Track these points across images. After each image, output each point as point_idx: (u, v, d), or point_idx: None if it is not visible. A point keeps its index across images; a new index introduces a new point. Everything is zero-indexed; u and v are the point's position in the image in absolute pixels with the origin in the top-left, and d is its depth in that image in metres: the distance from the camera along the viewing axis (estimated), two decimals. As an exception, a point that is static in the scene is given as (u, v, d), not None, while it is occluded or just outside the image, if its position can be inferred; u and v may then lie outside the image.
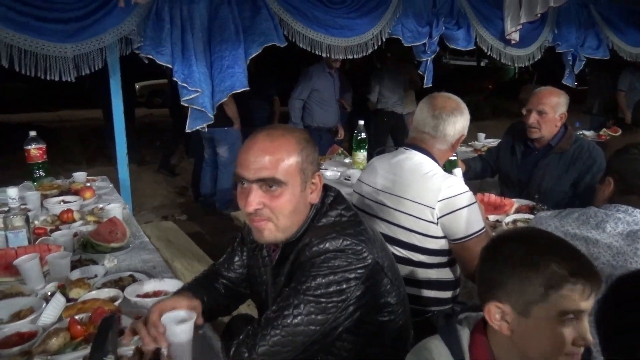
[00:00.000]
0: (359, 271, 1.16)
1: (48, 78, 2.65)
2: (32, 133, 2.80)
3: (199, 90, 3.02)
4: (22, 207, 2.27)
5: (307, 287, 1.12)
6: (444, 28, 3.88)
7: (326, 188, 1.30)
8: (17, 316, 1.42)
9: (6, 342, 1.29)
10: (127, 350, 1.20)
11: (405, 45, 3.82)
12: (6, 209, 2.16)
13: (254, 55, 3.19)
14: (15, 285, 1.63)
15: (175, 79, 2.99)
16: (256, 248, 1.37)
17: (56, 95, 10.88)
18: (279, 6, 3.18)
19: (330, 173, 3.17)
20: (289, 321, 1.10)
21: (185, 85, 2.99)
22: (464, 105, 1.80)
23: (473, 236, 1.64)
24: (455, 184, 1.68)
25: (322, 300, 1.12)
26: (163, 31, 2.85)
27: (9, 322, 1.39)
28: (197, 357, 1.21)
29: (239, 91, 3.19)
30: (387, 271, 1.24)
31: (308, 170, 1.20)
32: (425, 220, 1.67)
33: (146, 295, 1.52)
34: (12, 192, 2.11)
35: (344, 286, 1.13)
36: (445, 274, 1.76)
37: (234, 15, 3.10)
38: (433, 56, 3.97)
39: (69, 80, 2.67)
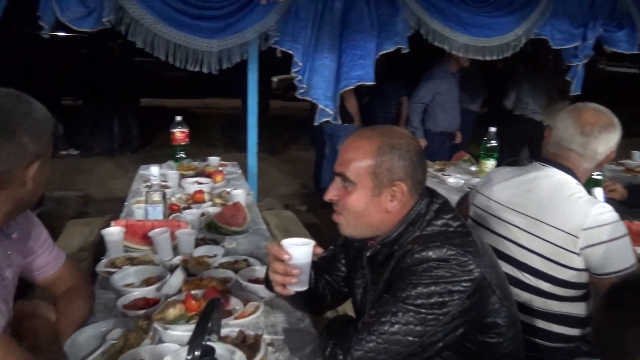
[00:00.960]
0: (464, 284, 1.08)
1: (196, 70, 2.94)
2: (178, 118, 3.10)
3: (321, 86, 3.12)
4: (163, 184, 2.52)
5: (407, 296, 1.07)
6: (601, 30, 3.46)
7: (432, 195, 1.23)
8: (146, 282, 1.58)
9: (134, 305, 1.44)
10: (232, 331, 1.26)
11: (554, 47, 3.48)
12: (149, 184, 2.42)
13: (384, 52, 3.17)
14: (148, 254, 1.81)
15: (293, 74, 3.12)
16: (355, 248, 1.35)
17: (206, 84, 11.98)
18: (416, 3, 3.11)
19: (453, 180, 3.02)
20: (385, 328, 1.06)
21: (300, 78, 3.10)
22: (616, 120, 1.58)
23: (622, 272, 1.43)
24: (605, 211, 1.47)
25: (422, 311, 1.06)
26: (299, 26, 2.97)
27: (139, 286, 1.55)
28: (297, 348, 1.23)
29: (367, 84, 3.21)
30: (496, 289, 1.14)
31: (384, 176, 1.16)
32: (565, 249, 1.49)
33: (256, 281, 1.59)
34: (154, 170, 2.37)
35: (447, 299, 1.07)
36: (577, 308, 1.56)
37: (370, 9, 3.12)
38: (585, 61, 3.56)
39: (213, 72, 2.93)
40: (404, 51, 3.21)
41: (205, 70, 2.97)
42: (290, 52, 3.05)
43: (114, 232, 1.84)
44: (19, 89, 1.10)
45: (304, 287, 1.20)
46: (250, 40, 2.94)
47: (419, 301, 1.06)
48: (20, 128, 1.04)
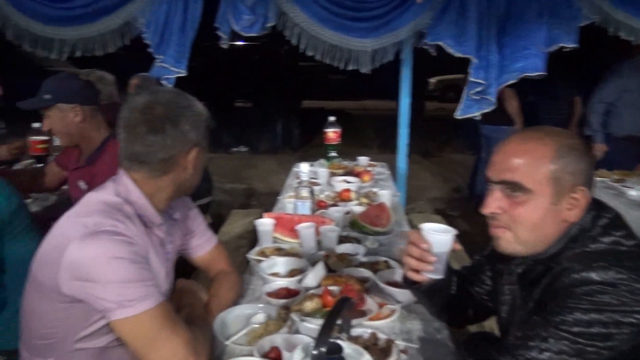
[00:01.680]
0: (637, 316, 0.89)
1: (351, 69, 3.01)
2: (331, 118, 3.20)
3: (483, 82, 2.90)
4: (313, 181, 2.63)
5: (562, 321, 0.93)
6: None
7: (600, 207, 1.05)
8: (290, 274, 1.65)
9: (277, 293, 1.52)
10: (364, 332, 1.25)
11: None
12: (300, 180, 2.54)
13: (558, 46, 2.85)
14: (295, 247, 1.90)
15: (470, 76, 2.95)
16: (504, 261, 1.22)
17: (364, 87, 12.25)
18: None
19: (636, 193, 2.59)
20: (532, 355, 0.94)
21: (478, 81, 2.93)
22: None
23: None
24: None
25: (580, 340, 0.91)
26: (457, 21, 2.83)
27: (284, 276, 1.64)
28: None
29: (532, 77, 2.93)
30: None
31: (566, 181, 1.01)
32: None
33: (395, 284, 1.55)
34: (305, 167, 2.48)
35: (613, 331, 0.90)
36: None
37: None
38: None
39: (366, 72, 2.97)
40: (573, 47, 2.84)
41: (361, 70, 3.02)
42: (450, 50, 2.92)
43: (265, 223, 1.97)
44: (202, 94, 1.27)
45: (439, 276, 1.14)
46: (404, 39, 2.90)
47: (577, 329, 0.92)
48: (183, 118, 1.18)
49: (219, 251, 1.55)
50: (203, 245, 1.51)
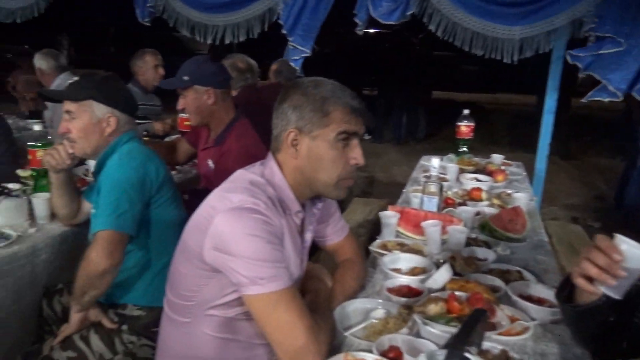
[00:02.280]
0: None
1: (497, 58, 2.80)
2: (466, 111, 3.03)
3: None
4: (441, 176, 2.51)
5: None
6: None
7: None
8: (412, 271, 1.59)
9: (399, 290, 1.46)
10: (494, 347, 1.15)
11: None
12: (428, 174, 2.44)
13: None
14: (418, 244, 1.83)
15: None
16: None
17: (498, 79, 11.47)
18: None
19: None
20: None
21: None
22: None
23: None
24: None
25: None
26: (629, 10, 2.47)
27: (405, 273, 1.58)
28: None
29: None
30: None
31: None
32: None
33: (529, 298, 1.41)
34: (435, 161, 2.37)
35: None
36: None
37: None
38: None
39: (511, 62, 2.73)
40: None
41: (505, 60, 2.78)
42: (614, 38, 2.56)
43: (389, 215, 1.92)
44: (330, 77, 1.25)
45: (616, 295, 0.99)
46: (559, 27, 2.60)
47: None
48: (290, 99, 1.21)
49: (349, 240, 1.55)
50: (337, 233, 1.52)
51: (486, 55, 2.77)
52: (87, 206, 1.87)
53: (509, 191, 2.44)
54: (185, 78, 2.06)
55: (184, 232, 1.25)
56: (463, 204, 2.23)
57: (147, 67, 3.35)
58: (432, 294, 1.38)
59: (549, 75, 2.95)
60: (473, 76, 12.69)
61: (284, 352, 1.08)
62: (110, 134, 1.66)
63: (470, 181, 2.55)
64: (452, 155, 3.04)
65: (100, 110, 1.63)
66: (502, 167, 2.84)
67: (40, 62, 3.38)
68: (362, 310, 1.36)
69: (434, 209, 2.05)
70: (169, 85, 2.13)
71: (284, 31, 3.14)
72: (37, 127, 3.73)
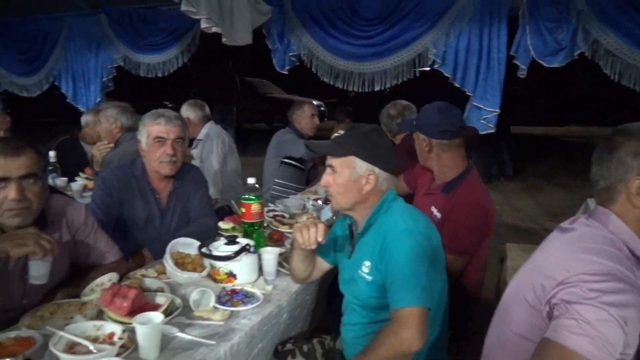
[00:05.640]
0: None
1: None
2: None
3: None
4: None
5: None
6: None
7: None
8: None
9: None
10: None
11: None
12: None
13: None
14: None
15: None
16: None
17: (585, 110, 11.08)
18: None
19: None
20: None
21: None
22: None
23: None
24: None
25: None
26: None
27: None
28: None
29: None
30: None
31: None
32: None
33: None
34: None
35: None
36: None
37: None
38: None
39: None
40: None
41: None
42: None
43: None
44: None
45: None
46: None
47: None
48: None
49: None
50: None
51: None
52: (320, 263, 1.83)
53: None
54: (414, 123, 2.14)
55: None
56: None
57: (305, 116, 3.40)
58: None
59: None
60: (542, 109, 12.37)
61: None
62: (368, 192, 1.62)
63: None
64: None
65: (360, 167, 1.60)
66: None
67: (188, 112, 3.49)
68: None
69: None
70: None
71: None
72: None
